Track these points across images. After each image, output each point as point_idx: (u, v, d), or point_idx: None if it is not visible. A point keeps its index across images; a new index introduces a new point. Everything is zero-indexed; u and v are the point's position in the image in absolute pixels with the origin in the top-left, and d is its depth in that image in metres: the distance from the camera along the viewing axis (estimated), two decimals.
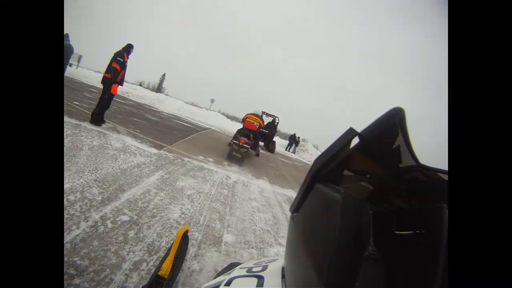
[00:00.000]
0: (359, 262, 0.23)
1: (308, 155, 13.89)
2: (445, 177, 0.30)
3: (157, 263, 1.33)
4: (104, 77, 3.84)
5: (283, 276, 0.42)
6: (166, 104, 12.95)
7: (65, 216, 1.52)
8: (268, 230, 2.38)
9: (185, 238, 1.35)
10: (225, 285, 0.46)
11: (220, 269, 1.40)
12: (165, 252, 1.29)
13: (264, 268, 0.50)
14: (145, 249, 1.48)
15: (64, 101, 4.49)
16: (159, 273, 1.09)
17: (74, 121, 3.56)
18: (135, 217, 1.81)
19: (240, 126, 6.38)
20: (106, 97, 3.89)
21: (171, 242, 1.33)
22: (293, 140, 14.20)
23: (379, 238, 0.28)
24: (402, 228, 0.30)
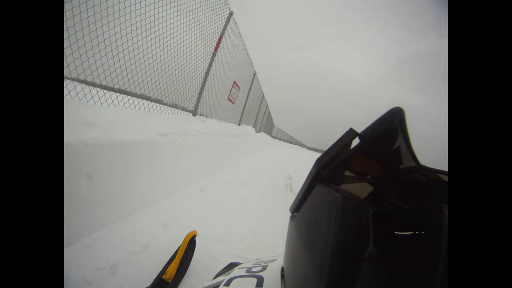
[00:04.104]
0: (359, 263, 0.23)
1: None
2: (445, 178, 0.30)
3: None
4: None
5: (282, 276, 0.42)
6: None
7: None
8: None
9: (192, 243, 1.33)
10: (225, 285, 0.46)
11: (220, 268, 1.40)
12: (172, 255, 1.27)
13: (264, 268, 0.50)
14: None
15: None
16: (163, 276, 1.08)
17: None
18: None
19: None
20: None
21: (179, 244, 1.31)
22: None
23: (379, 239, 0.28)
24: (402, 229, 0.30)
